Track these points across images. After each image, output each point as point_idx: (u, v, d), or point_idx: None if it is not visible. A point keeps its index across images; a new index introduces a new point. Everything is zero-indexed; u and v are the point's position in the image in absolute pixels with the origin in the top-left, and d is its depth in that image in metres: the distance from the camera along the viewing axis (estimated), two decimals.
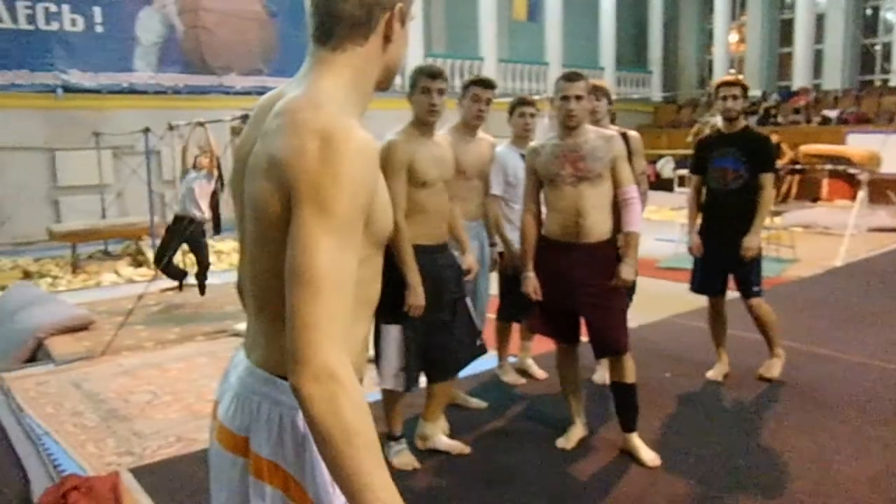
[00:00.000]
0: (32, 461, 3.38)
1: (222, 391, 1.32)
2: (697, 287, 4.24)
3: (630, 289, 3.62)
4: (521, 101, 4.16)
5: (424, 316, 3.05)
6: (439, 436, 3.41)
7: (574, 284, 3.20)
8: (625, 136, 3.81)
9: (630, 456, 3.27)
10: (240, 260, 1.32)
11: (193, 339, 5.55)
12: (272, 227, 1.09)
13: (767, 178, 3.95)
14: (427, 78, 3.08)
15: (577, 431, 3.49)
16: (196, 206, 6.79)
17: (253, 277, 1.22)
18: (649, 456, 3.23)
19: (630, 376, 3.23)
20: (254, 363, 1.23)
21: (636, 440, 3.30)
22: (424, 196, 3.08)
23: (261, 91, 13.07)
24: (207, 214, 6.92)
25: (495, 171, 3.93)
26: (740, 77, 4.16)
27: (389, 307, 2.83)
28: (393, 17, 1.20)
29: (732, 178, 3.97)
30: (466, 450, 3.39)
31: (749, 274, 4.04)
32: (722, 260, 4.04)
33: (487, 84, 3.69)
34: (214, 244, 9.86)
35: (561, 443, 3.45)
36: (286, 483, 1.17)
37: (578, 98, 3.12)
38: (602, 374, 4.18)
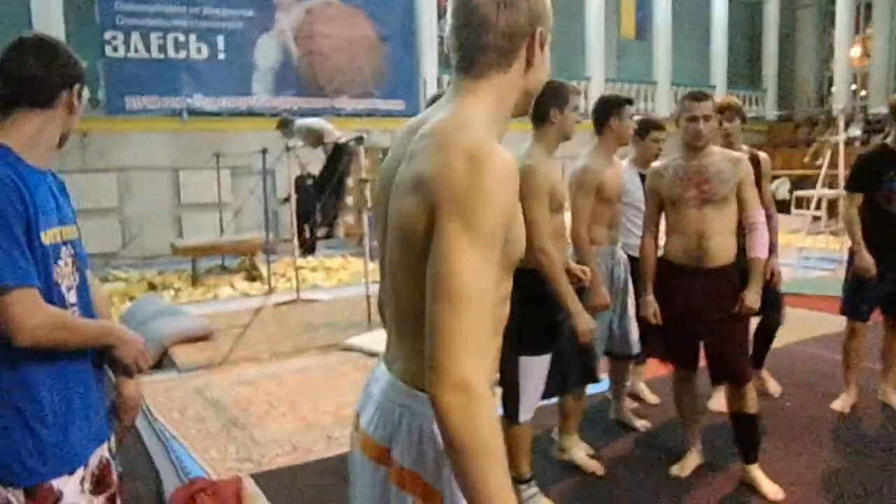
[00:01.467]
0: (163, 462, 3.57)
1: (364, 402, 1.37)
2: (853, 311, 3.96)
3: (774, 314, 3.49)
4: (655, 126, 4.09)
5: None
6: (577, 449, 3.40)
7: (695, 309, 3.11)
8: (755, 158, 3.68)
9: (750, 488, 3.12)
10: (380, 278, 1.36)
11: (307, 353, 5.72)
12: (416, 244, 1.12)
13: None
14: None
15: (693, 459, 3.38)
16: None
17: (395, 294, 1.25)
18: (772, 489, 3.09)
19: (751, 406, 3.12)
20: (395, 376, 1.27)
21: (757, 471, 3.17)
22: (560, 220, 3.00)
23: (370, 113, 13.59)
24: None
25: None
26: None
27: (531, 339, 2.80)
28: (534, 41, 1.22)
29: None
30: (600, 470, 3.35)
31: None
32: (889, 287, 3.83)
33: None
34: (325, 261, 10.19)
35: (675, 470, 3.35)
36: (426, 493, 1.19)
37: (706, 118, 3.04)
38: (718, 401, 4.02)
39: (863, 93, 19.13)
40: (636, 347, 3.63)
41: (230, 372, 5.24)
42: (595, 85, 16.39)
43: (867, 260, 3.77)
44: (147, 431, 4.01)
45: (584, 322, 2.90)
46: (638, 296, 3.41)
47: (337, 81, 13.65)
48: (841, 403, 3.99)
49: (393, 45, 14.10)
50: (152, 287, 8.99)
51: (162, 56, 12.05)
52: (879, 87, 18.16)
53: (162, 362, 5.67)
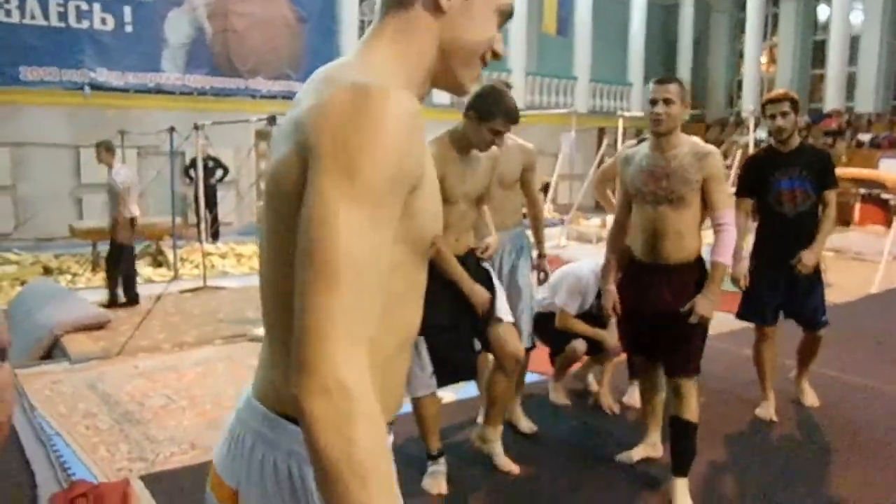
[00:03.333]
0: (41, 464, 3.26)
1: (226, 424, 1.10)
2: (753, 315, 3.88)
3: None
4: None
5: (443, 321, 2.86)
6: (498, 443, 3.29)
7: (651, 303, 2.99)
8: None
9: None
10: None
11: (211, 343, 5.43)
12: (285, 206, 0.86)
13: (833, 195, 3.71)
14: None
15: (642, 450, 3.34)
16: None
17: (262, 287, 0.99)
18: None
19: (690, 413, 2.92)
20: (253, 393, 1.01)
21: (681, 487, 2.95)
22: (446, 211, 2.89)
23: (287, 96, 13.20)
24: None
25: None
26: (789, 91, 3.86)
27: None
28: None
29: (802, 199, 3.68)
30: (515, 468, 3.25)
31: (819, 302, 3.81)
32: (784, 287, 3.77)
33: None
34: (235, 247, 9.80)
35: (622, 457, 3.34)
36: None
37: (666, 101, 2.84)
38: (633, 395, 4.02)
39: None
40: (528, 341, 3.55)
41: (126, 363, 4.90)
42: (516, 78, 16.43)
43: (739, 270, 3.72)
44: (25, 429, 3.66)
45: (478, 295, 2.92)
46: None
47: (252, 62, 13.17)
48: (763, 412, 3.91)
49: (312, 26, 13.71)
50: (47, 271, 8.44)
51: (62, 24, 11.31)
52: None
53: (52, 352, 5.27)
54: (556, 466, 3.37)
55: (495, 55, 1.03)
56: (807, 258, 3.62)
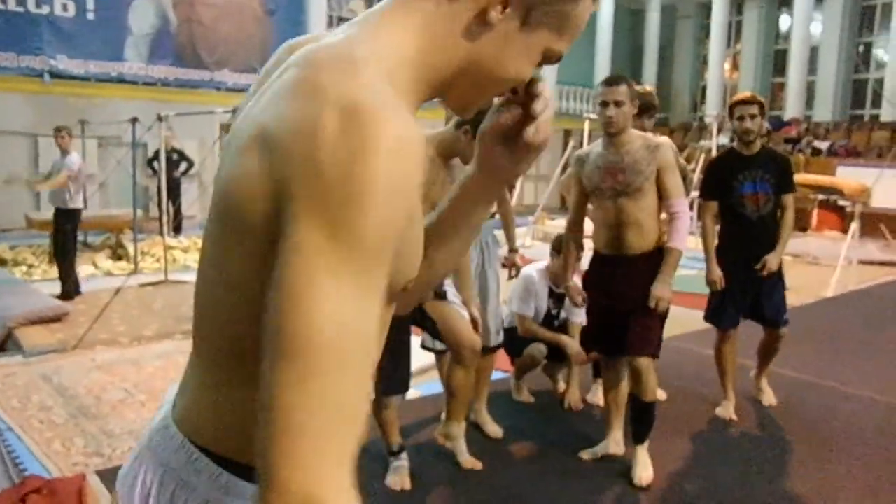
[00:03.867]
0: None
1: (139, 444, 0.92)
2: (719, 318, 3.92)
3: None
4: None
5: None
6: (461, 440, 3.27)
7: (617, 296, 3.12)
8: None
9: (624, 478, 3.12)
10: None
11: (172, 337, 5.33)
12: (244, 230, 0.69)
13: (791, 199, 3.79)
14: None
15: (606, 447, 3.37)
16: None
17: (197, 297, 0.81)
18: (643, 474, 3.10)
19: (648, 394, 3.10)
20: (181, 427, 0.83)
21: (641, 452, 3.15)
22: None
23: None
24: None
25: None
26: (757, 94, 3.93)
27: None
28: None
29: (764, 202, 3.75)
30: (478, 465, 3.25)
31: (781, 301, 3.89)
32: (749, 288, 3.83)
33: None
34: (198, 241, 9.64)
35: (585, 454, 3.37)
36: None
37: (617, 104, 2.94)
38: (597, 394, 4.05)
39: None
40: (494, 339, 3.58)
41: (84, 357, 4.79)
42: None
43: (715, 273, 3.78)
44: None
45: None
46: None
47: (219, 53, 12.99)
48: (723, 411, 3.95)
49: (280, 18, 13.56)
50: (2, 263, 8.22)
51: (20, 9, 11.01)
52: None
53: (6, 345, 5.13)
54: (519, 462, 3.38)
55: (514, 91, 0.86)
56: (771, 261, 3.70)
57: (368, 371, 0.65)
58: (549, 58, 0.83)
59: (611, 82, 3.00)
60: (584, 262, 3.56)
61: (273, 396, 0.60)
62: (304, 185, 0.62)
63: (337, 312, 0.61)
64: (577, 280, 3.40)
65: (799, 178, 12.98)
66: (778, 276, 3.84)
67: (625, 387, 3.32)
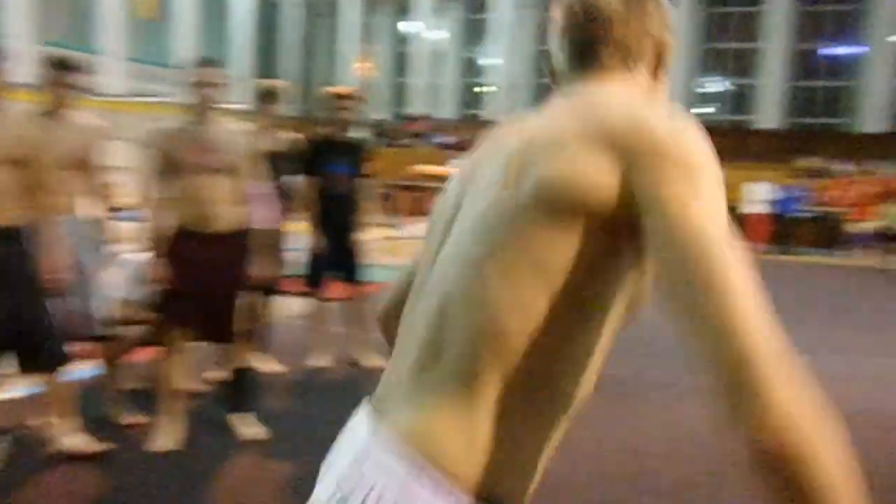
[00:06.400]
0: None
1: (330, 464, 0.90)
2: (315, 282, 4.46)
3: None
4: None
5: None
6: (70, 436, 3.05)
7: (205, 272, 3.13)
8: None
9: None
10: (411, 295, 0.93)
11: None
12: (572, 219, 0.77)
13: (371, 181, 4.48)
14: None
15: (168, 432, 3.26)
16: None
17: (437, 318, 0.82)
18: (251, 430, 3.30)
19: (240, 363, 3.34)
20: (408, 438, 0.79)
21: (238, 419, 3.35)
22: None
23: None
24: None
25: None
26: (354, 90, 4.61)
27: None
28: (664, 52, 0.97)
29: (348, 182, 4.33)
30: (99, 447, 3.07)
31: (359, 266, 4.49)
32: (335, 257, 4.37)
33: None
34: None
35: (156, 446, 3.21)
36: None
37: (215, 85, 3.10)
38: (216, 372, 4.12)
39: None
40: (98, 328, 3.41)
41: None
42: (111, 62, 15.38)
43: (321, 241, 4.35)
44: None
45: None
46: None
47: None
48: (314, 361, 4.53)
49: None
50: None
51: None
52: (382, 98, 20.81)
53: None
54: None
55: None
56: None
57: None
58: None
59: (206, 63, 3.17)
60: None
61: (727, 326, 0.68)
62: (668, 162, 0.75)
63: (730, 250, 0.72)
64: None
65: (420, 168, 14.53)
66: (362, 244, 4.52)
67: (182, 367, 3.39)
